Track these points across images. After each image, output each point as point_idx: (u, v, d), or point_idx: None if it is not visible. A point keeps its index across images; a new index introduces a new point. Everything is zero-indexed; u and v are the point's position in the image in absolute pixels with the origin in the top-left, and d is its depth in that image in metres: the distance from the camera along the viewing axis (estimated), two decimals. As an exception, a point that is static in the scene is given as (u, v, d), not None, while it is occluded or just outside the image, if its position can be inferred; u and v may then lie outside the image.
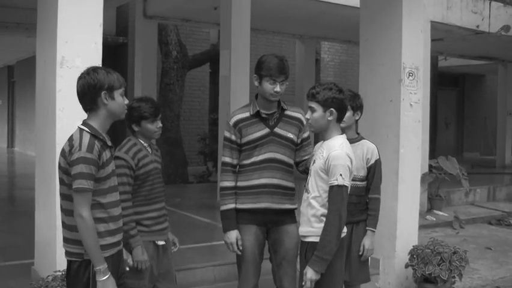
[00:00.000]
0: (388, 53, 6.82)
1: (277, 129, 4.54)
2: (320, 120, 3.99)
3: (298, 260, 4.20)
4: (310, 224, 3.97)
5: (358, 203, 4.90)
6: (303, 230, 4.06)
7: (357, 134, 5.06)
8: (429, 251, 6.44)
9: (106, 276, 3.51)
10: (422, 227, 10.05)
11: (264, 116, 4.53)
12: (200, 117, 16.99)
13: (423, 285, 6.58)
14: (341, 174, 3.84)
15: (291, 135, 4.57)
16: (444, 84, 22.12)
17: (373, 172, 4.97)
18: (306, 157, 4.64)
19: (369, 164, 4.96)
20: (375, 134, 6.72)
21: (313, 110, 3.99)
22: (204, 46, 16.78)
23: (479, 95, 25.42)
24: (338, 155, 3.88)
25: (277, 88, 4.41)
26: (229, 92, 9.84)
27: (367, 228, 4.97)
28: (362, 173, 4.93)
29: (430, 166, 11.92)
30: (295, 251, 4.56)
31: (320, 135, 4.17)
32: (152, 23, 13.30)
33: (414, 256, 6.52)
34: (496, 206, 13.63)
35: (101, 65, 4.16)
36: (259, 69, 4.47)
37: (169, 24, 13.95)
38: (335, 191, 3.86)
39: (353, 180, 4.30)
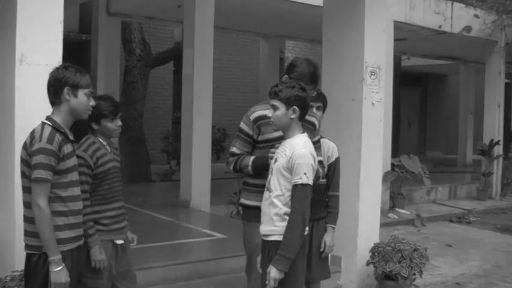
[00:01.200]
0: (350, 52, 6.86)
1: None
2: (283, 118, 3.95)
3: (259, 259, 4.18)
4: (273, 222, 3.93)
5: (319, 200, 4.88)
6: (265, 229, 4.01)
7: None
8: (390, 248, 6.49)
9: (60, 267, 3.56)
10: (384, 224, 10.16)
11: None
12: (163, 115, 16.91)
13: (384, 283, 6.63)
14: (305, 173, 3.82)
15: None
16: (408, 83, 22.31)
17: (333, 170, 5.03)
18: None
19: (330, 162, 5.01)
20: (339, 133, 6.76)
21: (276, 108, 3.95)
22: (168, 44, 16.69)
23: (442, 94, 25.69)
24: (302, 154, 3.86)
25: None
26: (192, 90, 9.80)
27: (328, 225, 5.00)
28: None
29: (392, 165, 12.05)
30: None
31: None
32: (116, 21, 13.19)
33: (376, 254, 6.57)
34: (457, 203, 13.83)
35: (61, 62, 4.15)
36: (291, 72, 4.42)
37: (132, 22, 13.84)
38: (299, 189, 3.83)
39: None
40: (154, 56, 14.94)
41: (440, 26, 13.33)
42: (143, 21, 13.93)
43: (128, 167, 13.62)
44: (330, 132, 6.61)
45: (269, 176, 4.04)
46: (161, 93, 17.12)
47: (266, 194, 4.03)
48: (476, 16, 14.04)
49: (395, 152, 14.17)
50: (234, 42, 18.20)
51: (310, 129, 4.46)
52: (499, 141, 15.01)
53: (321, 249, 4.97)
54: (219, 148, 14.72)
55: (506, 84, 17.43)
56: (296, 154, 3.86)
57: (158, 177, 14.42)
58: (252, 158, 4.36)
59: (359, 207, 6.76)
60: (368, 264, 6.69)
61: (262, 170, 4.28)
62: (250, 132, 4.39)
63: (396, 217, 11.58)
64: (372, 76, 6.73)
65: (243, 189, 4.52)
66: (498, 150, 15.10)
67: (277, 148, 4.09)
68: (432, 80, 25.31)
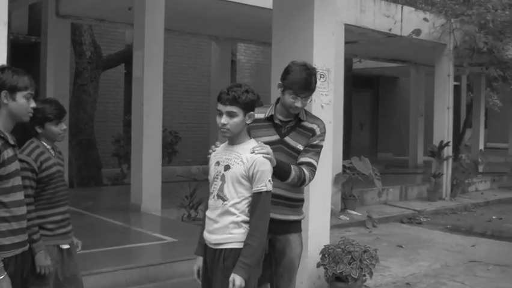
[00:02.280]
0: (299, 55, 6.81)
1: (287, 139, 4.34)
2: (240, 125, 3.83)
3: (196, 268, 4.12)
4: (228, 230, 3.82)
5: None
6: (218, 237, 3.86)
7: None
8: (340, 250, 6.52)
9: (1, 276, 3.49)
10: (336, 226, 10.25)
11: (277, 122, 4.36)
12: (114, 118, 16.72)
13: (335, 284, 6.66)
14: (269, 180, 3.79)
15: (300, 147, 4.36)
16: (359, 86, 22.50)
17: None
18: (301, 159, 4.36)
19: None
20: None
21: (234, 115, 3.78)
22: (119, 46, 16.54)
23: (393, 96, 26.00)
24: (264, 161, 3.79)
25: (299, 104, 4.27)
26: (142, 93, 9.71)
27: None
28: None
29: (344, 167, 12.12)
30: (297, 261, 4.51)
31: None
32: (65, 23, 12.99)
33: (326, 255, 6.59)
34: (408, 204, 14.01)
35: (6, 64, 4.07)
36: (284, 79, 4.33)
37: (83, 24, 13.69)
38: (263, 197, 3.77)
39: None
40: (105, 59, 14.80)
41: (390, 29, 13.49)
42: (94, 23, 13.77)
43: (79, 170, 13.49)
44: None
45: (218, 183, 3.89)
46: (113, 96, 16.95)
47: (218, 202, 3.88)
48: (425, 19, 14.23)
49: (347, 153, 14.27)
50: (186, 45, 18.12)
51: (308, 136, 4.36)
52: (448, 142, 15.23)
53: (266, 252, 4.98)
54: (170, 151, 14.65)
55: (455, 86, 17.72)
56: (258, 161, 3.78)
57: (109, 180, 14.29)
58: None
59: (309, 209, 6.74)
60: (318, 266, 6.72)
61: None
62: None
63: (348, 219, 11.66)
64: (322, 79, 6.75)
65: None
66: (448, 151, 15.32)
67: (214, 151, 4.04)
68: (383, 82, 25.60)
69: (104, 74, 15.23)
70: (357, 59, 19.16)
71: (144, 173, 9.74)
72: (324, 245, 6.74)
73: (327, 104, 6.84)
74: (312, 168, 4.34)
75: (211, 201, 3.93)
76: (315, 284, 6.93)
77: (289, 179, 4.21)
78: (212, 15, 12.76)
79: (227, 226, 3.83)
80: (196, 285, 5.00)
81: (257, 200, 3.78)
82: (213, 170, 3.96)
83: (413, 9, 14.40)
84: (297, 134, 4.34)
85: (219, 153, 3.98)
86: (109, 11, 12.39)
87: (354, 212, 12.13)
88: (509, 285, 7.86)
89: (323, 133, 4.42)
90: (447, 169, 15.35)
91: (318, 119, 4.49)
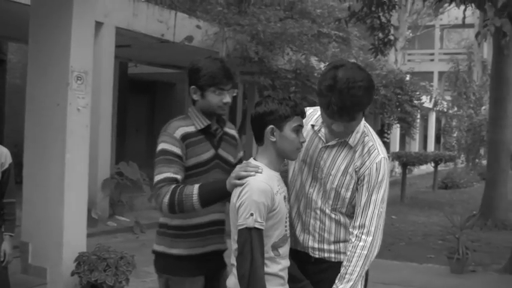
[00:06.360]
0: (56, 56, 6.70)
1: (220, 151, 3.60)
2: None
3: None
4: None
5: None
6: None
7: None
8: (96, 257, 6.40)
9: None
10: (102, 232, 10.11)
11: (211, 133, 3.58)
12: None
13: (91, 292, 6.54)
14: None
15: (232, 159, 3.67)
16: (136, 90, 22.39)
17: (7, 176, 4.94)
18: None
19: (4, 168, 4.92)
20: (43, 138, 6.64)
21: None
22: None
23: (170, 102, 26.15)
24: None
25: (227, 98, 3.53)
26: None
27: (5, 233, 4.97)
28: None
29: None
30: None
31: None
32: None
33: (81, 263, 6.44)
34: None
35: None
36: (197, 79, 3.51)
37: None
38: None
39: None
40: None
41: (162, 35, 13.50)
42: None
43: None
44: (33, 138, 6.46)
45: (287, 222, 3.22)
46: None
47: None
48: (198, 27, 14.41)
49: (122, 158, 14.09)
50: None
51: (233, 145, 3.74)
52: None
53: (1, 259, 4.88)
54: None
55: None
56: None
57: None
58: (196, 185, 3.31)
59: (64, 215, 6.59)
60: (72, 274, 6.54)
61: (215, 200, 3.36)
62: (179, 152, 3.43)
63: (116, 225, 11.49)
64: (79, 81, 6.60)
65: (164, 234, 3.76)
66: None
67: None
68: (161, 87, 25.70)
69: None
70: (132, 63, 19.03)
71: None
72: (79, 253, 6.56)
73: (83, 107, 6.69)
74: None
75: (287, 247, 3.20)
76: (71, 293, 6.74)
77: None
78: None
79: None
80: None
81: None
82: (283, 206, 3.14)
83: (186, 16, 14.54)
84: (226, 144, 3.67)
85: (277, 185, 3.14)
86: None
87: (123, 218, 11.99)
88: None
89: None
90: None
91: (228, 122, 3.82)
